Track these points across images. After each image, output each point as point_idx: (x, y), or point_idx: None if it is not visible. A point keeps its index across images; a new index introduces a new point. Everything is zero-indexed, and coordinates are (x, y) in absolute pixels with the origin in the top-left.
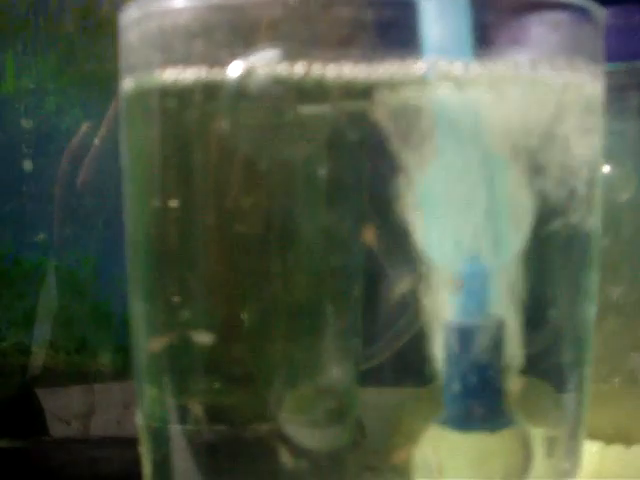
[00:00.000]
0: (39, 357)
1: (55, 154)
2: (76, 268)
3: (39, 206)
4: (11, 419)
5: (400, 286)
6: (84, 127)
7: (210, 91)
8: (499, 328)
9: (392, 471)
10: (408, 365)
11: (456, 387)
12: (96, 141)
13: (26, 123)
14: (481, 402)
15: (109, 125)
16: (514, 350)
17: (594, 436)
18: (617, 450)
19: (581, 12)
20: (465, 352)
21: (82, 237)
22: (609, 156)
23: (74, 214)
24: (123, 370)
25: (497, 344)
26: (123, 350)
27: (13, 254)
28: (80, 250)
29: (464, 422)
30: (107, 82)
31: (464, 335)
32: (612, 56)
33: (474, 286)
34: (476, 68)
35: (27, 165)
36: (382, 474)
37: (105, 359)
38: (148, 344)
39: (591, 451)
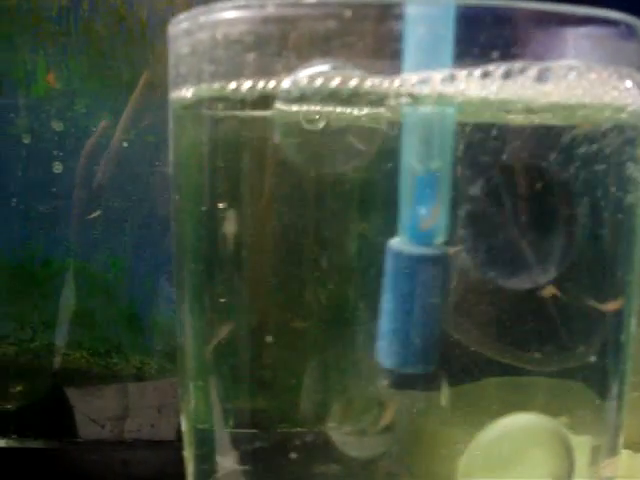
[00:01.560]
0: (69, 359)
1: None
2: (105, 270)
3: (69, 208)
4: (43, 420)
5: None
6: (102, 124)
7: (261, 103)
8: (444, 260)
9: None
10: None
11: (389, 318)
12: (116, 142)
13: (56, 125)
14: (414, 339)
15: (127, 125)
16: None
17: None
18: None
19: (625, 27)
20: (401, 280)
21: (111, 239)
22: None
23: (102, 216)
24: (156, 373)
25: (439, 277)
26: (154, 353)
27: (43, 255)
28: (109, 252)
29: (392, 359)
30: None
31: (404, 262)
32: None
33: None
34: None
35: (57, 167)
36: None
37: (137, 362)
38: (193, 348)
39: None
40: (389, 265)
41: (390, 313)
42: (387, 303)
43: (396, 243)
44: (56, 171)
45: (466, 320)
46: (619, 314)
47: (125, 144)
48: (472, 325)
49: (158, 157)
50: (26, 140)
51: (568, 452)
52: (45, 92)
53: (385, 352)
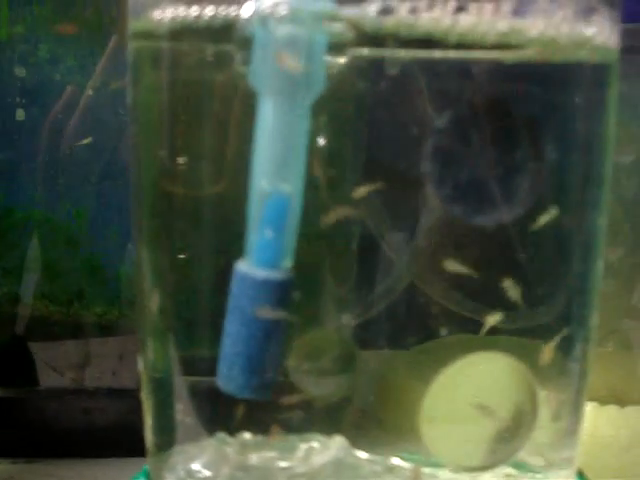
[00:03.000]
0: (31, 308)
1: (48, 103)
2: (68, 221)
3: (31, 156)
4: (2, 368)
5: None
6: (68, 90)
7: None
8: (286, 284)
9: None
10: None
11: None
12: (89, 91)
13: (19, 71)
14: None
15: (102, 75)
16: None
17: (588, 397)
18: (611, 411)
19: None
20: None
21: (75, 190)
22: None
23: (67, 166)
24: (117, 322)
25: (279, 300)
26: (117, 303)
27: (5, 204)
28: (73, 203)
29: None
30: (102, 31)
31: (247, 284)
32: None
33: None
34: None
35: (20, 114)
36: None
37: (99, 311)
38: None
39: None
40: (234, 287)
41: (231, 336)
42: (230, 325)
43: (242, 265)
44: (19, 119)
45: (431, 274)
46: (584, 269)
47: (89, 92)
48: (436, 278)
49: (123, 106)
50: None
51: (529, 385)
52: (7, 37)
53: (225, 376)
